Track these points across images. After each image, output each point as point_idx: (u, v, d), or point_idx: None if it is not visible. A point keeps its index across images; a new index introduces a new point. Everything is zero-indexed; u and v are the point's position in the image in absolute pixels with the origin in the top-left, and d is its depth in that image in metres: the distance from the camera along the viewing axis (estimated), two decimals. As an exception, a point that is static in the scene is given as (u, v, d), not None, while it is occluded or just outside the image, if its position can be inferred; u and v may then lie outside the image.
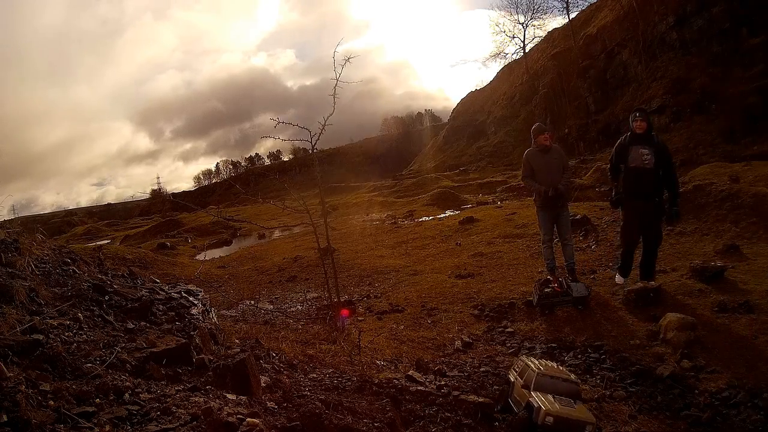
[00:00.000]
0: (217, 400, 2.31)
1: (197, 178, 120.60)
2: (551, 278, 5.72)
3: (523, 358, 3.54)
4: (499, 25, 49.11)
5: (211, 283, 9.31)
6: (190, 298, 3.82)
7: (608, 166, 5.82)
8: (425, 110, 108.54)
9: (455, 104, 63.45)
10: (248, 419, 2.09)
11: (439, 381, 3.75)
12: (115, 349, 2.53)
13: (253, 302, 7.17)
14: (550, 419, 2.86)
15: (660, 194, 5.43)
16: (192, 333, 3.14)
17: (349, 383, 3.52)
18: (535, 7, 46.50)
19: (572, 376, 3.32)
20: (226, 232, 20.53)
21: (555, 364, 3.42)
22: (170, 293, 3.82)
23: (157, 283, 4.26)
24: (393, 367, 4.22)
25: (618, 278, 5.89)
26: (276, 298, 7.81)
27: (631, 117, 5.54)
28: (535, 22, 46.39)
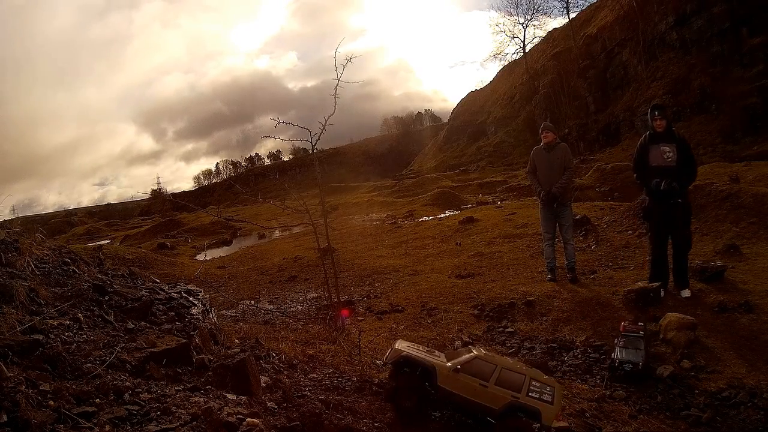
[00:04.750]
0: (217, 400, 2.31)
1: (197, 179, 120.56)
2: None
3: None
4: (499, 25, 49.26)
5: (211, 283, 9.30)
6: (190, 298, 3.82)
7: (633, 169, 5.55)
8: (425, 110, 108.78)
9: (453, 105, 63.63)
10: (248, 419, 2.09)
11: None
12: (115, 349, 2.52)
13: (253, 302, 7.17)
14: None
15: (685, 193, 5.18)
16: (192, 333, 3.13)
17: (349, 383, 3.53)
18: (535, 7, 46.60)
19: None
20: (226, 232, 20.50)
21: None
22: (170, 293, 3.82)
23: (157, 283, 4.25)
24: (393, 367, 4.22)
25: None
26: (276, 298, 7.81)
27: (649, 115, 5.35)
28: (535, 22, 46.52)
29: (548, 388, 2.99)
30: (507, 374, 3.00)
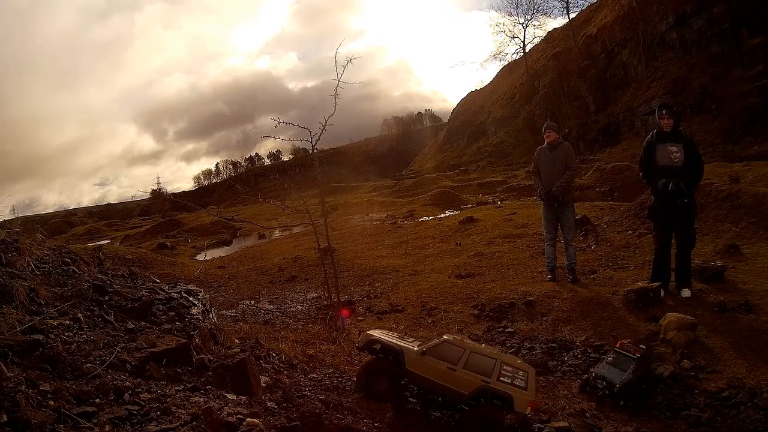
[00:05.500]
0: (217, 400, 2.31)
1: (197, 179, 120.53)
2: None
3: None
4: (499, 25, 49.28)
5: (211, 283, 9.30)
6: (190, 298, 3.82)
7: (639, 167, 5.48)
8: (425, 110, 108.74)
9: (453, 105, 63.60)
10: (248, 419, 2.09)
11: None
12: (115, 349, 2.52)
13: (253, 302, 7.17)
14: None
15: (691, 193, 5.14)
16: (192, 333, 3.13)
17: (349, 383, 3.53)
18: (535, 7, 46.61)
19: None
20: (226, 232, 20.51)
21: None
22: (170, 293, 3.82)
23: (157, 283, 4.25)
24: (393, 367, 4.22)
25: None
26: (276, 298, 7.81)
27: (657, 114, 5.29)
28: (535, 22, 46.51)
29: (521, 373, 2.93)
30: (476, 358, 2.97)
